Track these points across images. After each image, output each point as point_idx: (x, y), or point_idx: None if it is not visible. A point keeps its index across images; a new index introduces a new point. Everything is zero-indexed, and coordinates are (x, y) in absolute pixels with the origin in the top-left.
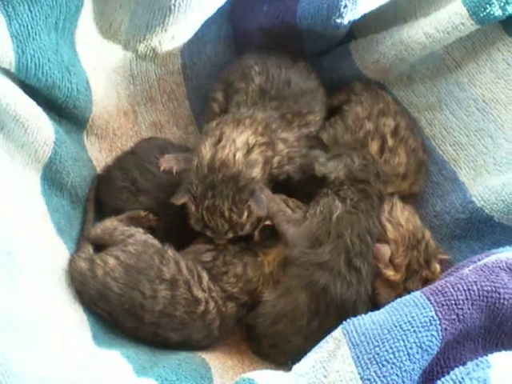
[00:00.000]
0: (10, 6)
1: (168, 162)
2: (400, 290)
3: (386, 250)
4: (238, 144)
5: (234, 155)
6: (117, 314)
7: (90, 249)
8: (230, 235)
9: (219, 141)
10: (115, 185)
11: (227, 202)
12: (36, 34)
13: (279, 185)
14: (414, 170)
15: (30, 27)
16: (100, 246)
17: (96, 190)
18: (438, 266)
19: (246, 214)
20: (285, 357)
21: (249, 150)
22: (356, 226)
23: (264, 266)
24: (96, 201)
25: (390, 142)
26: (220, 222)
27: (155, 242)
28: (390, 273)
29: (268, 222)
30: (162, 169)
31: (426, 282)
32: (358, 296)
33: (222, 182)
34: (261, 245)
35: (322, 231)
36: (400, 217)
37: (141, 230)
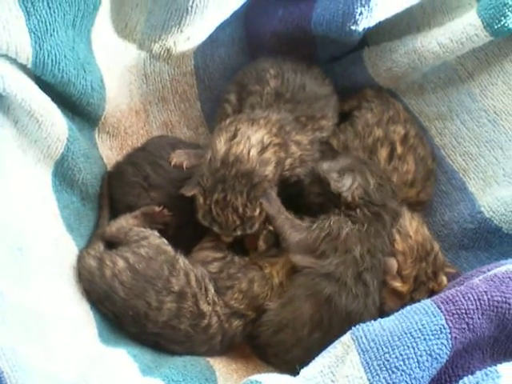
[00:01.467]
0: (29, 2)
1: (179, 157)
2: (406, 300)
3: (392, 264)
4: (253, 141)
5: (249, 152)
6: (121, 317)
7: (100, 245)
8: (239, 232)
9: (234, 136)
10: (127, 180)
11: (241, 197)
12: (54, 31)
13: (291, 198)
14: (422, 177)
15: (48, 23)
16: (112, 244)
17: (108, 185)
18: (444, 279)
19: (258, 210)
20: (287, 366)
21: (263, 149)
22: (366, 243)
23: (273, 278)
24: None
25: (399, 149)
26: (231, 217)
27: (168, 248)
28: (397, 284)
29: (271, 228)
30: (172, 163)
31: (431, 293)
32: (365, 309)
33: (235, 177)
34: (266, 255)
35: (329, 246)
36: (409, 227)
37: (156, 233)
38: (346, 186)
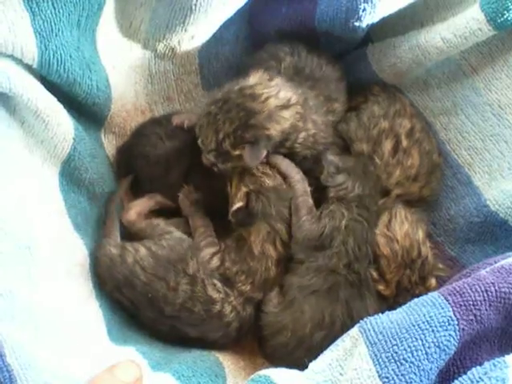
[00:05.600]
0: (34, 3)
1: (180, 118)
2: (390, 304)
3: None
4: (281, 95)
5: (267, 99)
6: (139, 303)
7: (117, 235)
8: (212, 158)
9: (269, 80)
10: (146, 132)
11: (229, 125)
12: (59, 31)
13: None
14: (426, 172)
15: (53, 23)
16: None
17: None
18: (433, 281)
19: (237, 152)
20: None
21: (284, 106)
22: (358, 235)
23: (252, 247)
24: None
25: (405, 142)
26: (210, 137)
27: (190, 239)
28: (380, 287)
29: (240, 204)
30: (174, 123)
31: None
32: (363, 300)
33: (237, 106)
34: (241, 224)
35: (330, 237)
36: (398, 230)
37: (180, 231)
38: (335, 182)
